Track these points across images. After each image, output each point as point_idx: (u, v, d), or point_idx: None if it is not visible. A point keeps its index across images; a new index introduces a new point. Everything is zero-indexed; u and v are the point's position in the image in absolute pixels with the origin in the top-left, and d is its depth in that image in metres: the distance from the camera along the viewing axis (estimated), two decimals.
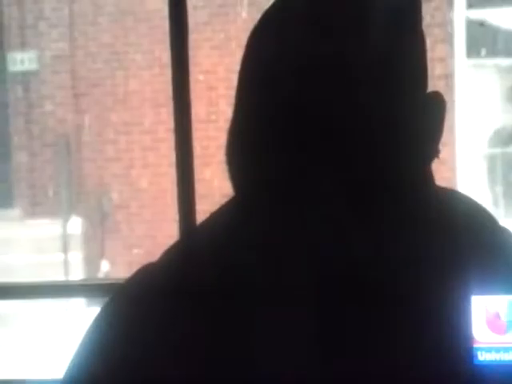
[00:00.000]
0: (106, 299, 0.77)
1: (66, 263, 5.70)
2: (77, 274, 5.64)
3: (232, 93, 0.74)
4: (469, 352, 0.68)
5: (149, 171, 6.13)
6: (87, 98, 6.18)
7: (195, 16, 5.77)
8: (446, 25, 6.09)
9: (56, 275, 5.42)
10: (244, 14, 5.82)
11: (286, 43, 0.69)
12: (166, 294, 0.72)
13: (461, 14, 6.24)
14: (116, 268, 5.89)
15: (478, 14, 6.24)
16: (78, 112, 6.20)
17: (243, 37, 0.75)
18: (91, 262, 5.90)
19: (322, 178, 0.67)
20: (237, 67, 0.74)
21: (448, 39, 6.09)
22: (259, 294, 0.69)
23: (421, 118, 0.71)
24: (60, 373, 0.75)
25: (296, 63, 0.68)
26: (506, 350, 0.69)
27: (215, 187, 5.08)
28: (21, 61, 6.14)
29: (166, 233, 5.80)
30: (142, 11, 6.10)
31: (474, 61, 6.29)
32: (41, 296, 1.61)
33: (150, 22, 6.05)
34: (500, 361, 0.69)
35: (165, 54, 5.58)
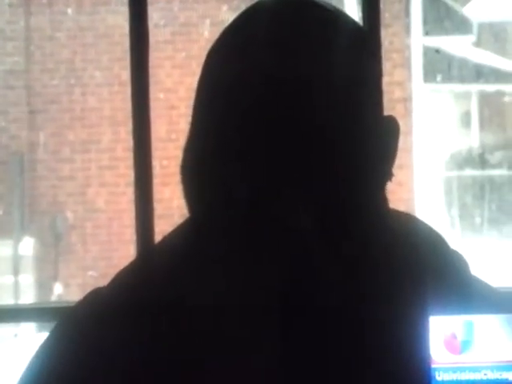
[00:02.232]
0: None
1: (16, 286, 5.61)
2: (28, 298, 5.56)
3: None
4: (427, 372, 0.68)
5: (105, 190, 6.05)
6: (43, 114, 6.08)
7: (157, 34, 5.75)
8: (404, 50, 6.22)
9: (5, 299, 5.33)
10: (206, 34, 5.81)
11: (245, 62, 0.69)
12: (115, 318, 0.70)
13: (417, 41, 6.40)
14: (69, 291, 5.80)
15: (434, 41, 6.44)
16: (33, 129, 6.08)
17: (205, 57, 0.74)
18: (43, 284, 5.80)
19: (276, 198, 0.67)
20: None
21: (406, 64, 6.22)
22: (215, 316, 0.68)
23: (376, 141, 0.71)
24: None
25: (254, 82, 0.68)
26: (463, 369, 0.69)
27: (174, 207, 5.03)
28: None
29: (122, 254, 5.72)
30: (101, 27, 6.03)
31: (430, 85, 6.47)
32: None
33: (109, 38, 5.99)
34: (457, 381, 0.69)
35: (124, 72, 5.53)
